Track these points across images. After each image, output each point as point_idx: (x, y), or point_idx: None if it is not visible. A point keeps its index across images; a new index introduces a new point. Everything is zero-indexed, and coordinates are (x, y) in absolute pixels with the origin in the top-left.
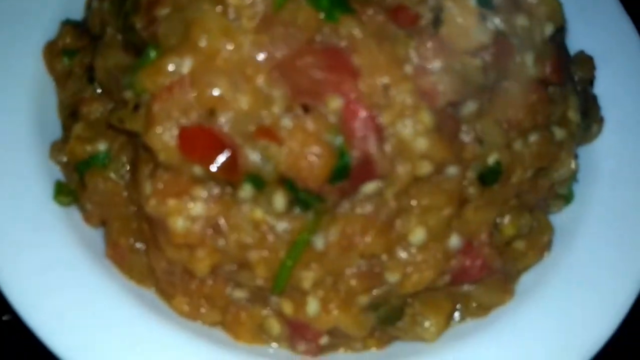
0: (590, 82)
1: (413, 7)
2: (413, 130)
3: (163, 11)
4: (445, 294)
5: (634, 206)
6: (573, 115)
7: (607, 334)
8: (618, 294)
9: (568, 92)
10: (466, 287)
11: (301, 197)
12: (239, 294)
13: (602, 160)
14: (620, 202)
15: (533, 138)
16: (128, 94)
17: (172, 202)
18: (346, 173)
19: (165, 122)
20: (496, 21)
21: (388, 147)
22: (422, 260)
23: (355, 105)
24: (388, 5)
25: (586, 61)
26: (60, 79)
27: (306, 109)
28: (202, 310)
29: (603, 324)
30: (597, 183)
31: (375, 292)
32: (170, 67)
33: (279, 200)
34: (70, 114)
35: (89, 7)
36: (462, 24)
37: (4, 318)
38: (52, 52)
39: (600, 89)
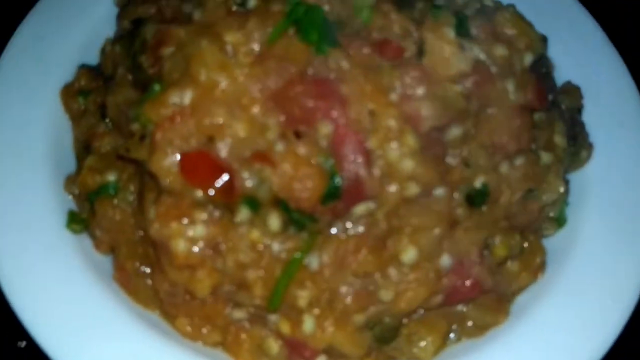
0: (578, 110)
1: (397, 41)
2: (399, 153)
3: (167, 50)
4: (441, 315)
5: (625, 229)
6: (559, 139)
7: (600, 353)
8: (611, 313)
9: (554, 118)
10: (460, 308)
11: (295, 218)
12: (239, 314)
13: (593, 185)
14: (612, 225)
15: (519, 161)
16: (135, 126)
17: (174, 225)
18: (337, 194)
19: (167, 149)
20: (475, 50)
21: (376, 170)
22: (414, 279)
23: (344, 130)
24: (373, 40)
25: (573, 91)
26: (76, 117)
27: (298, 135)
28: (204, 330)
29: (596, 343)
30: (589, 206)
31: (370, 310)
32: (172, 99)
33: (274, 221)
34: (83, 148)
35: (103, 51)
36: (443, 53)
37: (20, 345)
38: (69, 93)
39: (589, 117)
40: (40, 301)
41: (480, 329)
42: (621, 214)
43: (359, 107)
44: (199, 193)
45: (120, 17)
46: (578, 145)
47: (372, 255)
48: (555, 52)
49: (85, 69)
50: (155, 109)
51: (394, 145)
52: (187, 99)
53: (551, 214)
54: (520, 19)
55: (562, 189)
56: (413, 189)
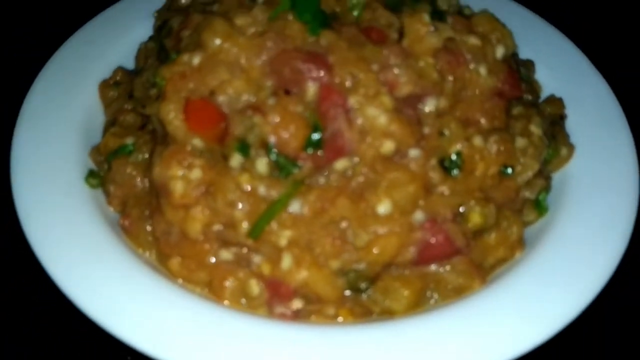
0: (561, 117)
1: (382, 28)
2: (375, 110)
3: (187, 32)
4: (416, 274)
5: (601, 218)
6: (535, 128)
7: (568, 320)
8: (581, 287)
9: (532, 113)
10: (434, 268)
11: (280, 162)
12: (225, 254)
13: (573, 180)
14: (589, 213)
15: (493, 138)
16: (153, 91)
17: (174, 168)
18: (319, 143)
19: (175, 98)
20: (448, 31)
21: (355, 126)
22: (387, 229)
23: (327, 90)
24: (360, 25)
25: (556, 101)
26: (108, 104)
27: (288, 92)
28: (192, 270)
29: (565, 310)
30: (568, 197)
31: (345, 256)
32: (184, 60)
33: (262, 164)
34: (110, 123)
35: (138, 52)
36: (418, 33)
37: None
38: (105, 85)
39: (573, 124)
40: (55, 239)
41: (455, 292)
42: (599, 204)
43: (342, 71)
44: (199, 141)
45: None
46: (558, 143)
47: (349, 204)
48: (541, 74)
49: (121, 68)
50: (169, 69)
51: (371, 104)
52: (197, 60)
53: (529, 195)
54: (493, 19)
55: (536, 167)
56: (388, 146)
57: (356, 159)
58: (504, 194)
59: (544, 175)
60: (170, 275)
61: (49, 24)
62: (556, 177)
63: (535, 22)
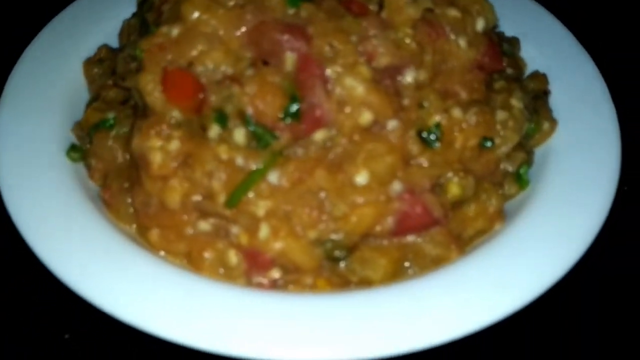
0: (544, 92)
1: (362, 1)
2: (353, 80)
3: (167, 6)
4: (395, 245)
5: (580, 191)
6: (515, 102)
7: (543, 289)
8: (557, 258)
9: (513, 88)
10: (413, 238)
11: (258, 132)
12: (204, 225)
13: (555, 153)
14: (569, 186)
15: (472, 110)
16: (133, 65)
17: (153, 139)
18: (297, 114)
19: (153, 69)
20: (426, 3)
21: (334, 97)
22: (365, 199)
23: (306, 59)
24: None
25: (540, 76)
26: (92, 80)
27: (266, 63)
28: (171, 241)
29: (540, 279)
30: (549, 170)
31: (322, 226)
32: (163, 32)
33: (239, 134)
34: (93, 99)
35: (121, 30)
36: (397, 4)
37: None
38: (90, 62)
39: (557, 100)
40: (35, 211)
41: (433, 263)
42: (579, 179)
43: (321, 42)
44: (177, 113)
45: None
46: (540, 117)
47: (327, 175)
48: (527, 50)
49: (105, 46)
50: (147, 41)
51: (349, 74)
52: (175, 32)
53: (509, 168)
54: None
55: (516, 140)
56: (366, 116)
57: (334, 130)
58: (484, 166)
59: (525, 149)
60: (150, 247)
61: (35, 3)
62: (539, 151)
63: (522, 0)
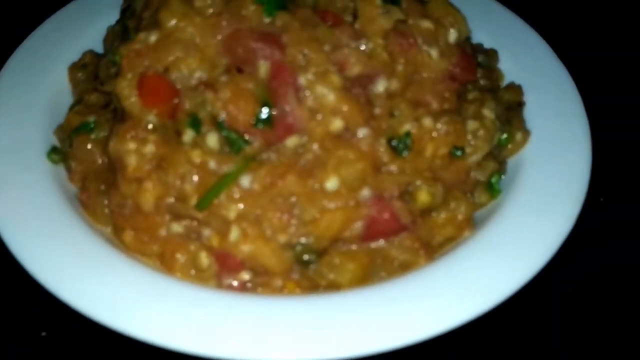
0: (519, 104)
1: (337, 12)
2: (324, 89)
3: (147, 13)
4: (364, 250)
5: (550, 198)
6: (487, 112)
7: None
8: (523, 264)
9: (486, 98)
10: (382, 244)
11: (230, 137)
12: (176, 227)
13: (526, 164)
14: (538, 195)
15: (443, 119)
16: (113, 70)
17: (129, 142)
18: (269, 120)
19: (130, 74)
20: (398, 14)
21: (305, 104)
22: (334, 204)
23: (279, 67)
24: (316, 8)
25: (515, 88)
26: (76, 84)
27: (240, 70)
28: (145, 243)
29: (505, 284)
30: (520, 180)
31: (292, 230)
32: (141, 39)
33: (212, 139)
34: (75, 102)
35: (106, 36)
36: (370, 14)
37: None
38: (75, 67)
39: (531, 111)
40: (14, 211)
41: (401, 268)
42: (548, 188)
43: (294, 50)
44: (153, 117)
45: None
46: (513, 128)
47: (298, 180)
48: (505, 62)
49: (90, 52)
50: (126, 47)
51: (320, 82)
52: (153, 38)
53: (480, 177)
54: (448, 4)
55: (487, 149)
56: (337, 124)
57: (306, 137)
58: (454, 174)
59: (498, 159)
60: (125, 247)
61: (23, 11)
62: (511, 161)
63: (500, 12)
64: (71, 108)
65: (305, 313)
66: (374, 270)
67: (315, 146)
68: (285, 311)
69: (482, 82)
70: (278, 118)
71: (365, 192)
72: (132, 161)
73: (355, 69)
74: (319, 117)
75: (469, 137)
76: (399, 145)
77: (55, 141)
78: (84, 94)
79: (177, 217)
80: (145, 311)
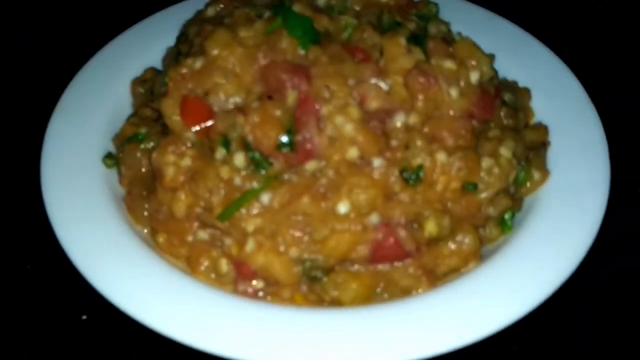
0: (543, 144)
1: (366, 48)
2: (343, 120)
3: (198, 40)
4: (369, 271)
5: (559, 237)
6: (504, 151)
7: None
8: (522, 298)
9: (506, 136)
10: (386, 267)
11: (255, 158)
12: (202, 234)
13: (542, 201)
14: (548, 232)
15: (457, 155)
16: (163, 89)
17: (168, 155)
18: (291, 145)
19: (175, 95)
20: (419, 56)
21: (326, 132)
22: (344, 226)
23: (305, 98)
24: (348, 44)
25: (541, 128)
26: (136, 97)
27: (270, 98)
28: (175, 245)
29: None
30: (533, 217)
31: (303, 246)
32: (188, 64)
33: (239, 158)
34: (133, 114)
35: (165, 56)
36: (393, 54)
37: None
38: (136, 82)
39: (555, 150)
40: (66, 208)
41: (403, 292)
42: (559, 228)
43: (320, 83)
44: (192, 135)
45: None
46: (532, 166)
47: (313, 201)
48: (537, 100)
49: (151, 68)
50: (174, 70)
51: (340, 113)
52: (199, 64)
53: (492, 212)
54: (473, 46)
55: (499, 187)
56: (353, 152)
57: (324, 162)
58: (465, 208)
59: (515, 196)
60: (158, 248)
61: (97, 27)
62: (529, 199)
63: (540, 50)
64: (128, 119)
65: (313, 323)
66: (376, 292)
67: (331, 172)
68: (289, 320)
69: (505, 121)
70: (299, 143)
71: (374, 218)
72: (169, 172)
73: (374, 104)
74: (337, 145)
75: (483, 173)
76: (411, 177)
77: (112, 148)
78: (140, 107)
79: (204, 225)
80: (166, 306)
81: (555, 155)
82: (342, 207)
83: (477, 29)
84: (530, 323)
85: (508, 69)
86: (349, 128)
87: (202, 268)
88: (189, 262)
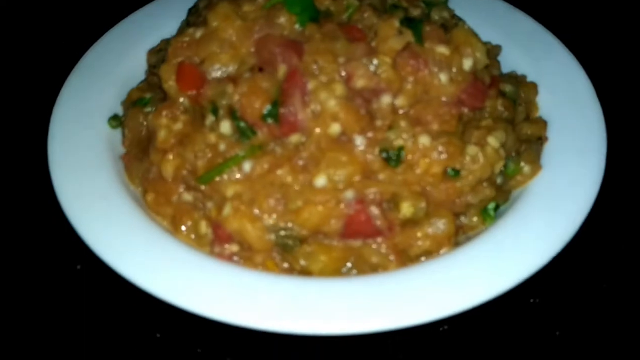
0: (539, 138)
1: (362, 29)
2: (328, 95)
3: (206, 12)
4: (341, 246)
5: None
6: (492, 141)
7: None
8: (487, 285)
9: (497, 127)
10: (358, 243)
11: (241, 126)
12: (187, 197)
13: (529, 197)
14: (526, 223)
15: (441, 140)
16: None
17: (163, 119)
18: (275, 116)
19: (173, 61)
20: (409, 38)
21: (311, 107)
22: (319, 199)
23: (293, 72)
24: (345, 24)
25: (539, 123)
26: (150, 66)
27: (261, 70)
28: (161, 205)
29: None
30: (516, 209)
31: (278, 215)
32: (189, 34)
33: (226, 126)
34: (142, 81)
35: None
36: (385, 35)
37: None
38: (152, 52)
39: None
40: (68, 163)
41: (372, 269)
42: (540, 219)
43: (310, 59)
44: (185, 100)
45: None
46: (523, 160)
47: (291, 172)
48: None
49: (166, 40)
50: (176, 39)
51: (324, 89)
52: (199, 34)
53: (472, 201)
54: (470, 34)
55: (481, 176)
56: (335, 128)
57: (307, 136)
58: (444, 193)
59: (503, 188)
60: (147, 207)
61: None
62: (518, 192)
63: (551, 45)
64: (138, 85)
65: (277, 288)
66: (346, 266)
67: (313, 146)
68: (257, 283)
69: (500, 111)
70: (284, 116)
71: (349, 194)
72: (162, 134)
73: (360, 82)
74: (320, 120)
75: (467, 161)
76: (391, 157)
77: (121, 111)
78: (150, 75)
79: (188, 187)
80: (142, 259)
81: (551, 151)
82: (320, 181)
83: (491, 21)
84: (497, 310)
85: (517, 61)
86: (332, 104)
87: (184, 229)
88: (173, 221)
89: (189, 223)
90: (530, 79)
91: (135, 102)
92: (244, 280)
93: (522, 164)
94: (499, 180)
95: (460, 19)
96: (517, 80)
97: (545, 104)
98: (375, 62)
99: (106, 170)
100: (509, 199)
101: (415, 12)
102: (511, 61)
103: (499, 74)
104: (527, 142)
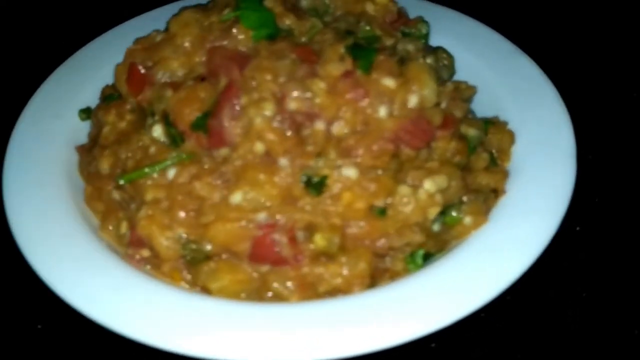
0: (494, 190)
1: (314, 51)
2: (255, 113)
3: None
4: (249, 269)
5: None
6: (428, 184)
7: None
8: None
9: (441, 171)
10: (266, 269)
11: (170, 132)
12: (115, 194)
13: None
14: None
15: (370, 175)
16: None
17: (110, 116)
18: (204, 127)
19: (127, 63)
20: (348, 66)
21: (239, 123)
22: (232, 215)
23: (230, 86)
24: (300, 44)
25: (498, 174)
26: None
27: (203, 79)
28: (95, 199)
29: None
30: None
31: (186, 228)
32: (152, 36)
33: (157, 130)
34: None
35: None
36: (328, 59)
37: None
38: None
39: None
40: (25, 145)
41: (272, 299)
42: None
43: (249, 74)
44: (132, 100)
45: None
46: (464, 211)
47: (209, 186)
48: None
49: None
50: (138, 41)
51: (254, 106)
52: (159, 38)
53: (395, 243)
54: (424, 71)
55: (410, 219)
56: (259, 147)
57: (233, 151)
58: (365, 231)
59: (440, 236)
60: (84, 199)
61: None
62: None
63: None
64: None
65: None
66: (247, 291)
67: (238, 161)
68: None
69: (450, 155)
70: (212, 128)
71: (261, 216)
72: (105, 130)
73: (292, 104)
74: (247, 137)
75: (396, 200)
76: (312, 185)
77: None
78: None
79: (118, 186)
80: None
81: (507, 205)
82: (235, 198)
83: (491, 62)
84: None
85: (505, 105)
86: (258, 121)
87: (109, 226)
88: (102, 217)
89: (114, 221)
90: (512, 126)
91: (105, 97)
92: (139, 290)
93: (463, 214)
94: (436, 227)
95: (432, 53)
96: (495, 125)
97: (520, 156)
98: (311, 85)
99: (57, 164)
100: (445, 248)
101: (388, 42)
102: (500, 105)
103: (463, 116)
104: (476, 192)
